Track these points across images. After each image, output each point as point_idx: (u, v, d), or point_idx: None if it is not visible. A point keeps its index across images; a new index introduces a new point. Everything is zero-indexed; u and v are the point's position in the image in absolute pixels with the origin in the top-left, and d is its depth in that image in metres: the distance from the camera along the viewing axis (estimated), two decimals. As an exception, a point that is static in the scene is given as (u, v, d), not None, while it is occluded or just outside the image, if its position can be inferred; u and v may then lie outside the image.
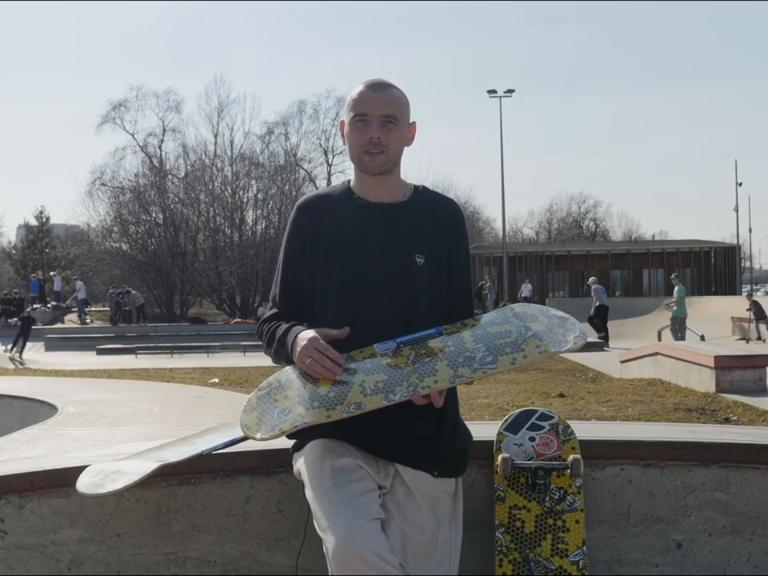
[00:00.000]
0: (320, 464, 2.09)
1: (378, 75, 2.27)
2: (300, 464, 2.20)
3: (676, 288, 18.90)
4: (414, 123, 2.25)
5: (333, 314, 2.17)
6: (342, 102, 47.07)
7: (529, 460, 2.52)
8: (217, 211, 44.05)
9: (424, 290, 2.18)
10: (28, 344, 21.12)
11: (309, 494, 2.12)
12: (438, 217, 2.24)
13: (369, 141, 2.13)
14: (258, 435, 1.99)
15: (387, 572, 1.92)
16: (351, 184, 2.28)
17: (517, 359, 1.99)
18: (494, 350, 2.02)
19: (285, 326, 2.18)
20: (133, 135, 47.50)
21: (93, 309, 39.34)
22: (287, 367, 2.14)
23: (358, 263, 2.17)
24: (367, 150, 2.14)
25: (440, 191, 2.40)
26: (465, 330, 2.11)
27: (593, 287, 20.28)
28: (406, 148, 2.23)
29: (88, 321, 33.54)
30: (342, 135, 2.24)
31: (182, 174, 45.53)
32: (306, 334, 2.08)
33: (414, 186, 2.30)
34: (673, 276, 20.33)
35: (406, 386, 1.96)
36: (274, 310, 2.28)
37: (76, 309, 34.56)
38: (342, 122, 2.23)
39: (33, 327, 21.97)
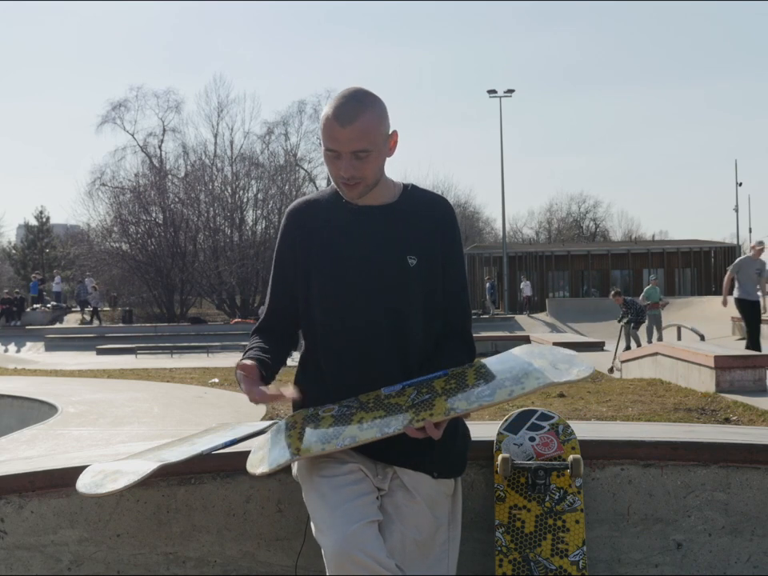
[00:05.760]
0: (318, 467, 2.09)
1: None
2: (298, 467, 2.19)
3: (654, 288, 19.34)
4: (394, 132, 2.15)
5: (326, 315, 2.17)
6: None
7: (529, 460, 2.52)
8: (217, 211, 44.07)
9: (417, 290, 2.16)
10: (28, 343, 21.16)
11: (306, 497, 2.12)
12: (430, 216, 2.21)
13: (341, 176, 2.09)
14: (258, 471, 2.06)
15: (383, 575, 1.93)
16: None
17: (515, 391, 1.98)
18: (493, 384, 2.02)
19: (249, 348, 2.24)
20: (133, 135, 47.53)
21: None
22: (295, 412, 2.20)
23: (349, 265, 2.16)
24: (344, 183, 2.11)
25: (440, 191, 2.39)
26: (470, 369, 2.12)
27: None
28: (389, 158, 2.15)
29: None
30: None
31: (182, 174, 45.57)
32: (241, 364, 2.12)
33: (403, 185, 2.27)
34: (654, 278, 20.79)
35: (402, 419, 1.98)
36: (267, 312, 2.31)
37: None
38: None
39: (32, 327, 22.01)
